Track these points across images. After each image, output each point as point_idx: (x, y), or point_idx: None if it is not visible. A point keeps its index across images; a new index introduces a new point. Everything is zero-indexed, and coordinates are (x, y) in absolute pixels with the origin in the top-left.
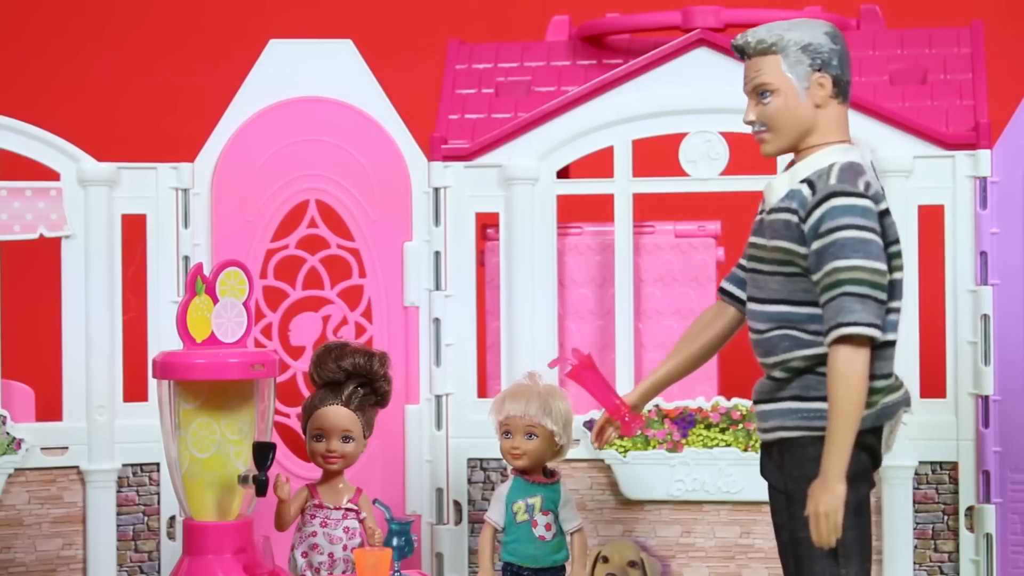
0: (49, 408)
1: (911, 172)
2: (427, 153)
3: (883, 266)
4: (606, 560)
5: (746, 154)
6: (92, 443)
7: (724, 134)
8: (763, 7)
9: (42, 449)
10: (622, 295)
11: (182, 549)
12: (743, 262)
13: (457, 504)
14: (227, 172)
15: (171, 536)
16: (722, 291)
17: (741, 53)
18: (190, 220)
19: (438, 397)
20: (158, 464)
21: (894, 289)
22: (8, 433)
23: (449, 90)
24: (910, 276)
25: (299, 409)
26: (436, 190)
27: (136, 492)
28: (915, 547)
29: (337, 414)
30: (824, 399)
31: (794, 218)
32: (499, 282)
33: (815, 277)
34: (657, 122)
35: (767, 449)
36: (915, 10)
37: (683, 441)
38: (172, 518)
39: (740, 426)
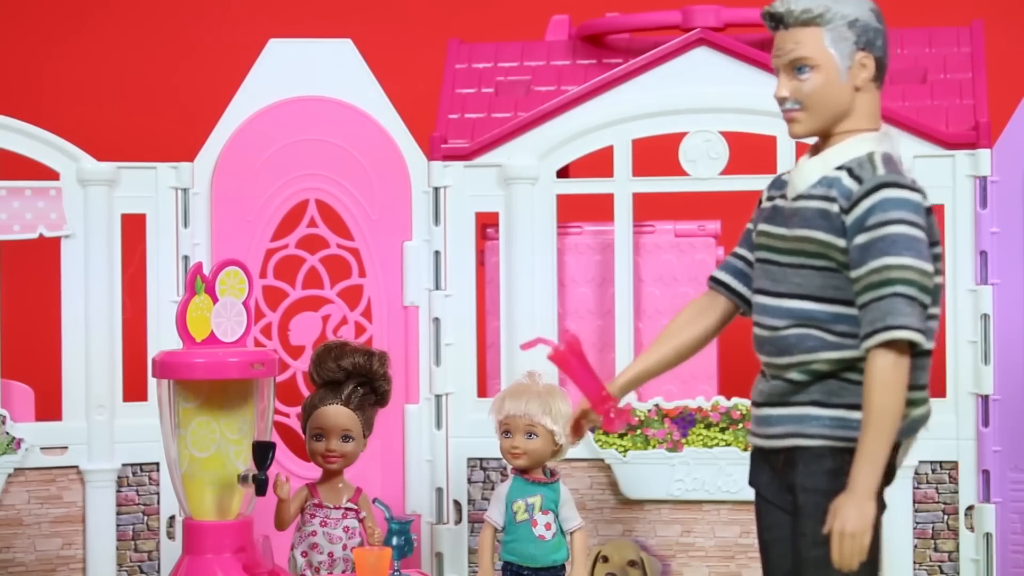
0: (49, 408)
1: (911, 171)
2: (427, 153)
3: (931, 268)
4: (606, 560)
5: (746, 154)
6: (92, 443)
7: (724, 133)
8: (763, 6)
9: (42, 449)
10: (622, 295)
11: (182, 548)
12: (743, 252)
13: (457, 504)
14: (227, 172)
15: (171, 536)
16: (716, 281)
17: (778, 22)
18: (190, 220)
19: (438, 397)
20: (158, 464)
21: (934, 295)
22: (8, 433)
23: (449, 90)
24: None
25: (299, 409)
26: (436, 190)
27: (136, 492)
28: (915, 547)
29: (337, 413)
30: (849, 407)
31: (834, 207)
32: (499, 282)
33: (856, 273)
34: (657, 122)
35: (765, 457)
36: (915, 10)
37: (683, 441)
38: (172, 518)
39: (740, 425)
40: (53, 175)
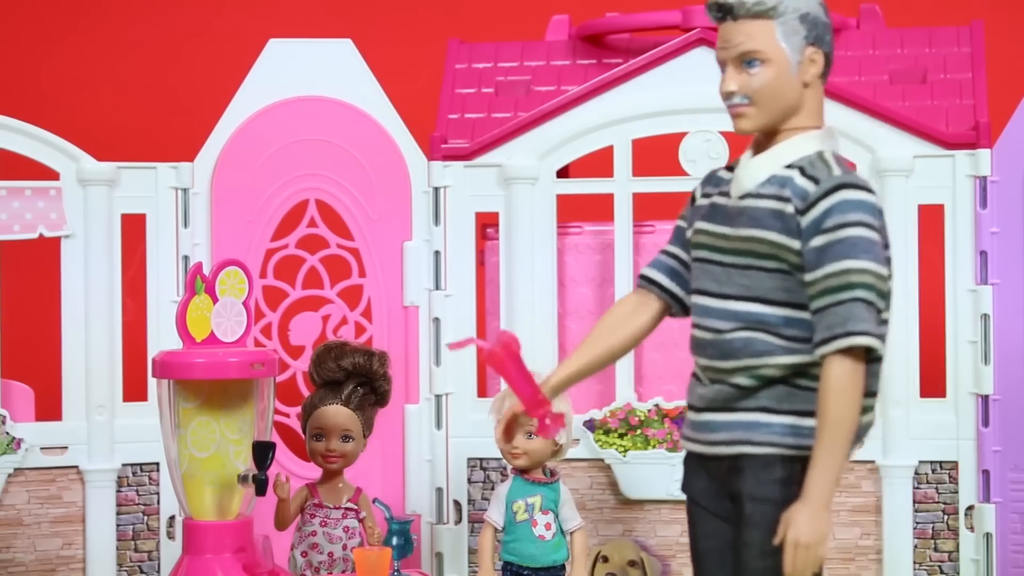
0: (49, 408)
1: (911, 171)
2: (427, 153)
3: (887, 272)
4: (606, 560)
5: None
6: (92, 443)
7: (724, 133)
8: None
9: (42, 449)
10: (622, 295)
11: (182, 549)
12: (675, 250)
13: (457, 504)
14: (227, 172)
15: (171, 536)
16: (648, 280)
17: (726, 13)
18: (190, 220)
19: (438, 397)
20: (158, 464)
21: (888, 299)
22: (8, 433)
23: (449, 90)
24: (910, 275)
25: (299, 409)
26: (436, 190)
27: (136, 492)
28: (915, 547)
29: (337, 413)
30: (800, 413)
31: (788, 208)
32: (499, 282)
33: (812, 276)
34: (657, 121)
35: (703, 463)
36: (915, 9)
37: None
38: (172, 518)
39: None
40: (53, 175)
